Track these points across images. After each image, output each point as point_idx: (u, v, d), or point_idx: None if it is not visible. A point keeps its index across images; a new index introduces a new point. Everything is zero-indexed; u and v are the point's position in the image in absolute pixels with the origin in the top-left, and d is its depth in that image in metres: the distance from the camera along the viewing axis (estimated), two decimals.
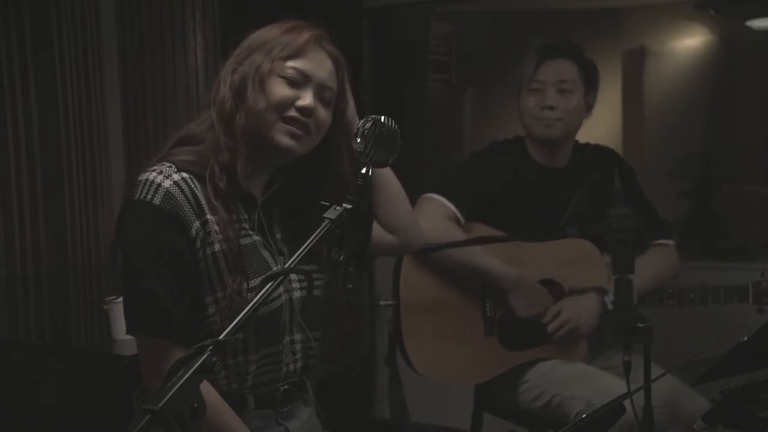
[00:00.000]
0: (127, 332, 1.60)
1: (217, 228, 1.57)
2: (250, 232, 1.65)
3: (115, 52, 3.80)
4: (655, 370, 2.03)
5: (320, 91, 1.65)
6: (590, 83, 2.48)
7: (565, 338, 2.39)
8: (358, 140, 1.44)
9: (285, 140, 1.62)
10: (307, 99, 1.62)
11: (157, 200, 1.54)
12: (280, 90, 1.61)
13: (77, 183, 3.70)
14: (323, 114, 1.66)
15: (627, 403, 1.72)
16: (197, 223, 1.56)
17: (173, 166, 1.58)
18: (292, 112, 1.61)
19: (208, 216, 1.57)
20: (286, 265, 1.30)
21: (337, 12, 3.67)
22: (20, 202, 3.56)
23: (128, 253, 1.57)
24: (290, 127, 1.61)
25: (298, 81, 1.63)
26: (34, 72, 3.57)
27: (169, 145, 1.67)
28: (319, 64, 1.65)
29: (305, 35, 1.65)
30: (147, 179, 1.56)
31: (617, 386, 2.20)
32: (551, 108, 2.41)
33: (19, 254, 3.55)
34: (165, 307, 1.53)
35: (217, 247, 1.57)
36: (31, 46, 3.55)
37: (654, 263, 2.46)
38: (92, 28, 3.75)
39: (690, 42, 3.91)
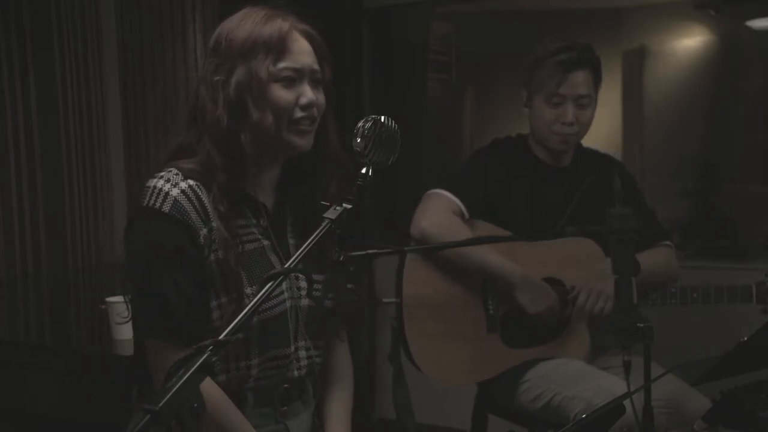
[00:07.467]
0: (137, 333, 1.60)
1: (221, 234, 1.56)
2: (259, 237, 1.63)
3: (115, 52, 3.80)
4: (656, 370, 2.02)
5: (311, 76, 1.61)
6: (598, 84, 2.49)
7: (592, 314, 2.37)
8: (358, 140, 1.41)
9: (298, 140, 1.60)
10: (308, 94, 1.59)
11: (165, 208, 1.54)
12: (283, 95, 1.58)
13: (77, 183, 3.70)
14: (320, 97, 1.63)
15: (627, 403, 1.72)
16: (204, 230, 1.55)
17: (180, 173, 1.57)
18: (298, 113, 1.59)
19: (214, 223, 1.56)
20: (285, 266, 1.29)
21: (336, 12, 3.66)
22: (20, 202, 3.56)
23: (139, 258, 1.56)
24: (300, 127, 1.59)
25: (294, 79, 1.59)
26: (34, 72, 3.57)
27: (166, 157, 1.64)
28: (302, 52, 1.60)
29: (284, 26, 1.59)
30: (155, 186, 1.55)
31: (617, 386, 2.19)
32: (570, 124, 2.43)
33: (19, 254, 3.55)
34: (174, 311, 1.53)
35: (222, 253, 1.56)
36: (31, 46, 3.55)
37: (651, 257, 2.45)
38: (92, 28, 3.75)
39: (690, 42, 3.91)
